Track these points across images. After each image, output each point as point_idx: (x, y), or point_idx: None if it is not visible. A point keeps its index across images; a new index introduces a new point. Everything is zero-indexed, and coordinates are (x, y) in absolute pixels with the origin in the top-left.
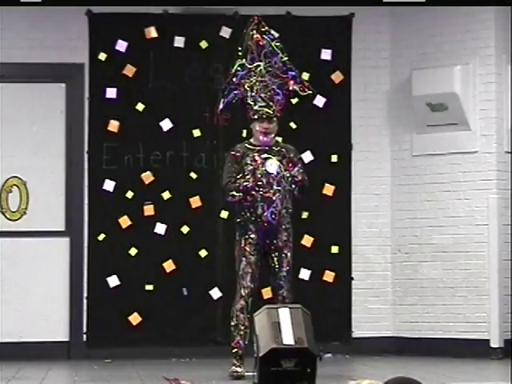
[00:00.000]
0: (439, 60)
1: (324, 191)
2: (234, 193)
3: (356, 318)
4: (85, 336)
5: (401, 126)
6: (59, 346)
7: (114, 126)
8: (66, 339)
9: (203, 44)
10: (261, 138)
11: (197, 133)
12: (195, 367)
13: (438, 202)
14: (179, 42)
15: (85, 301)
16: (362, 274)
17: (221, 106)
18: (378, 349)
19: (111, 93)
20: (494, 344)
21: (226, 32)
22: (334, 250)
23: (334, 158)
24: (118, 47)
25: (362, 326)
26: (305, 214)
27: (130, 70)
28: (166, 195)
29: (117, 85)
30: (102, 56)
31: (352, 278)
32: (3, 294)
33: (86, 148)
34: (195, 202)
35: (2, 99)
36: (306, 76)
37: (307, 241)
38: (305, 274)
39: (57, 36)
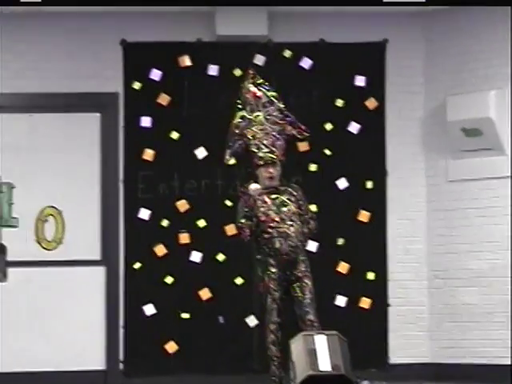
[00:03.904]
0: (474, 85)
1: (359, 217)
2: (243, 220)
3: (393, 345)
4: (121, 364)
5: (435, 152)
6: (96, 374)
7: (148, 154)
8: (103, 368)
9: (237, 72)
10: (267, 183)
11: (231, 160)
12: None
13: (474, 227)
14: (213, 70)
15: (121, 329)
16: (398, 300)
17: (227, 157)
18: (415, 375)
19: (146, 121)
20: None
21: (259, 60)
22: (370, 276)
23: (369, 185)
24: (152, 76)
25: (399, 352)
26: (340, 241)
27: (164, 99)
28: (202, 223)
29: (151, 113)
30: (137, 85)
31: (388, 305)
32: (40, 324)
33: (121, 177)
34: (230, 229)
35: (39, 129)
36: (340, 103)
37: (343, 267)
38: (341, 300)
39: (91, 65)
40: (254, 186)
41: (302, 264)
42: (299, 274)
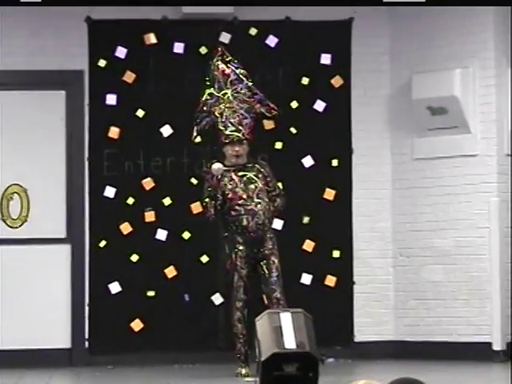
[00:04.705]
0: (439, 63)
1: (325, 195)
2: (207, 200)
3: (358, 323)
4: (87, 343)
5: (401, 130)
6: (61, 353)
7: (114, 132)
8: (68, 346)
9: (203, 50)
10: (233, 160)
11: (197, 138)
12: (198, 373)
13: (439, 205)
14: (179, 47)
15: (86, 307)
16: (363, 278)
17: (194, 134)
18: (381, 353)
19: (111, 99)
20: (497, 347)
21: (225, 37)
22: (336, 254)
23: (335, 163)
24: (117, 54)
25: (364, 330)
26: (306, 219)
27: (129, 77)
28: (167, 201)
29: (117, 91)
30: (102, 63)
31: (354, 283)
32: (4, 302)
33: (86, 155)
34: (196, 207)
35: (2, 107)
36: (305, 81)
37: (308, 245)
38: (306, 278)
39: (56, 43)
40: (216, 166)
41: (269, 242)
42: (266, 252)
